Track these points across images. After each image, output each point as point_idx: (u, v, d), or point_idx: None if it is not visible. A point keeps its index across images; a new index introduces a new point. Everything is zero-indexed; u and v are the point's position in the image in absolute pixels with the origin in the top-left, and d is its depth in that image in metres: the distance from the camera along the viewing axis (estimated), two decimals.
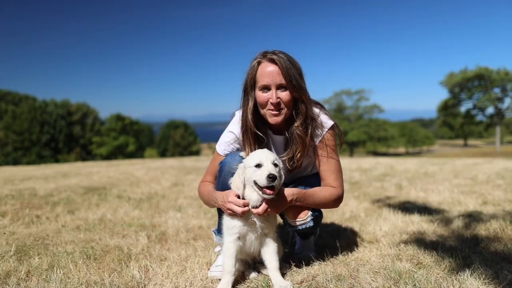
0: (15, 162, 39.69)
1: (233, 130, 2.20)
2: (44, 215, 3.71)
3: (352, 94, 53.76)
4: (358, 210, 3.86)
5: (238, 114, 2.19)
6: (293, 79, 1.96)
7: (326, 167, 2.13)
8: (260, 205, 1.90)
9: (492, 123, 45.44)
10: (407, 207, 3.90)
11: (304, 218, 2.11)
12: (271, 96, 1.98)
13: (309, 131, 2.06)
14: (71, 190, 5.29)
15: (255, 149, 2.09)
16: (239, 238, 1.97)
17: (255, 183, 1.87)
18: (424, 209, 3.72)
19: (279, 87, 1.99)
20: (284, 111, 2.03)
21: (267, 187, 1.83)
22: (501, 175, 6.38)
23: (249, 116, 2.07)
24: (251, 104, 2.07)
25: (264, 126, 2.15)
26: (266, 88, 2.00)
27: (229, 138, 2.21)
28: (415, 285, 1.82)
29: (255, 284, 1.98)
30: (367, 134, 49.78)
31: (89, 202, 4.41)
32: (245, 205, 1.89)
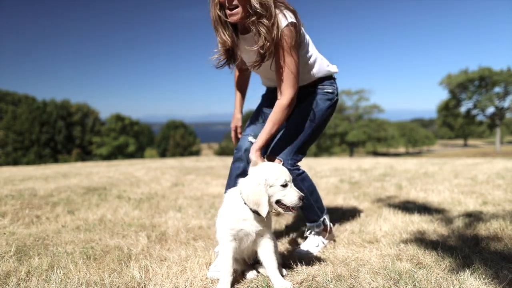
0: (15, 162, 39.70)
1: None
2: (44, 215, 3.71)
3: (352, 94, 53.70)
4: (358, 210, 3.86)
5: None
6: None
7: (279, 71, 2.24)
8: None
9: (493, 123, 45.38)
10: (407, 207, 3.90)
11: None
12: None
13: (263, 27, 2.11)
14: (71, 190, 5.29)
15: (224, 36, 2.24)
16: (234, 239, 1.98)
17: (277, 201, 1.91)
18: (424, 209, 3.72)
19: None
20: (239, 9, 2.12)
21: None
22: (501, 175, 6.38)
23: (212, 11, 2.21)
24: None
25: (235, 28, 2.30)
26: None
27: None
28: (415, 285, 1.82)
29: (255, 284, 1.98)
30: (367, 134, 49.73)
31: (89, 202, 4.41)
32: None
